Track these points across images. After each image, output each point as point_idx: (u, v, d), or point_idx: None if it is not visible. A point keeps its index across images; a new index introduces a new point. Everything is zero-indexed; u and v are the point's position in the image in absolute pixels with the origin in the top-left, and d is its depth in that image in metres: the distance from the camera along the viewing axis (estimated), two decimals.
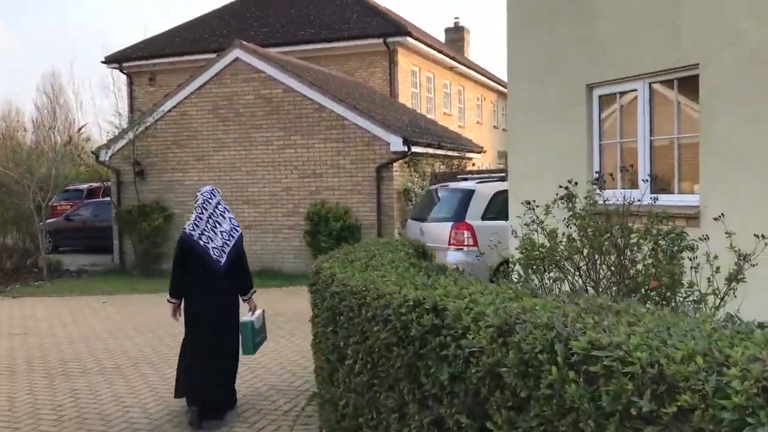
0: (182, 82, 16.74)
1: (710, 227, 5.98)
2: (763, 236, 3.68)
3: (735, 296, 3.92)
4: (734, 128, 5.97)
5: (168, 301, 6.26)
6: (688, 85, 6.52)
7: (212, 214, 6.05)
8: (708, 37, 6.17)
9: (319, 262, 5.82)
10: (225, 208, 6.20)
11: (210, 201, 6.10)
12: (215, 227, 6.01)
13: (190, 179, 16.16)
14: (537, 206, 4.56)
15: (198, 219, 6.02)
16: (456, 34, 32.64)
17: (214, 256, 5.99)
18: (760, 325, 2.73)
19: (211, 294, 6.03)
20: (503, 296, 3.58)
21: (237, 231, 6.18)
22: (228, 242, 6.05)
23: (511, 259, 4.77)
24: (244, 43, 15.97)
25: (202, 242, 5.95)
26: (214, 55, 17.04)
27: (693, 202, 6.43)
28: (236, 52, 15.56)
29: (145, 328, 10.10)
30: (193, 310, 6.09)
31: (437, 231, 10.59)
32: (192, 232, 5.99)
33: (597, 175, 4.62)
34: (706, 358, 2.28)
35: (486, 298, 3.52)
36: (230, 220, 6.17)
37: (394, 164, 14.40)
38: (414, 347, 3.70)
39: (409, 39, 20.73)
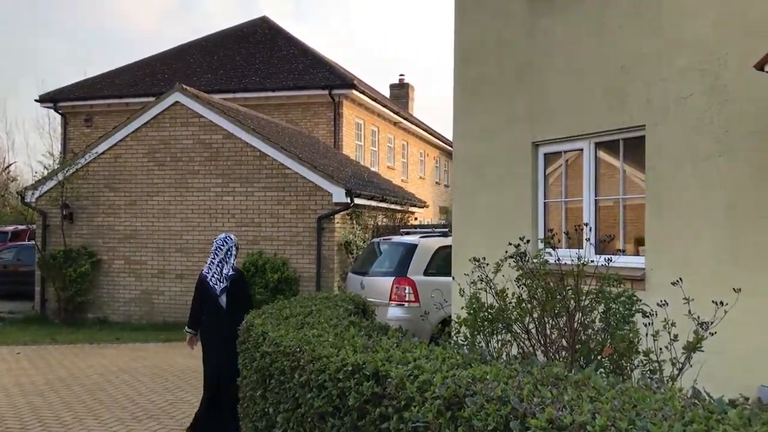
0: (118, 124, 16.19)
1: (656, 290, 5.87)
2: (722, 303, 3.50)
3: (691, 365, 3.72)
4: (680, 190, 5.92)
5: (185, 330, 7.01)
6: (635, 147, 6.49)
7: (222, 259, 6.81)
8: (654, 100, 6.17)
9: (251, 318, 5.41)
10: (230, 253, 6.89)
11: (221, 247, 6.87)
12: (222, 271, 6.82)
13: (121, 224, 15.47)
14: (486, 264, 4.31)
15: (211, 262, 6.84)
16: (400, 90, 33.01)
17: (220, 296, 6.76)
18: (732, 403, 2.49)
19: (216, 329, 6.69)
20: (450, 362, 3.27)
21: (230, 274, 6.85)
22: (225, 284, 6.82)
23: (456, 319, 4.48)
24: (184, 86, 15.61)
25: (211, 283, 6.75)
26: (153, 99, 16.59)
27: (638, 264, 6.33)
28: (176, 96, 15.17)
29: (60, 384, 9.35)
30: (203, 344, 6.79)
31: (378, 285, 10.28)
32: (206, 273, 6.84)
33: (549, 234, 4.41)
34: None
35: (432, 363, 3.20)
36: (231, 265, 6.86)
37: (336, 216, 14.12)
38: (351, 418, 3.34)
39: (354, 92, 20.75)
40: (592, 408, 2.37)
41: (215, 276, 6.76)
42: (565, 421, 2.28)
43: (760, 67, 4.47)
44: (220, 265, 6.81)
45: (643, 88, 6.29)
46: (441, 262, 10.27)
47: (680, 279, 3.82)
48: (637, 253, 6.53)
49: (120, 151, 15.54)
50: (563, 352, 4.14)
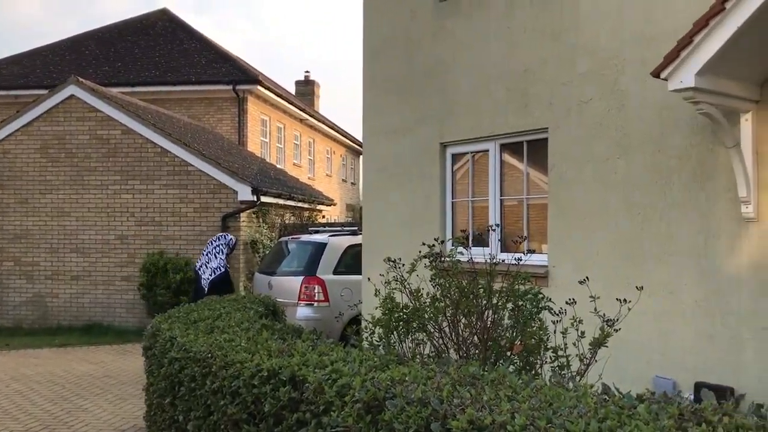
0: (7, 118, 15.22)
1: (558, 287, 6.10)
2: (625, 300, 3.67)
3: (596, 361, 3.87)
4: (580, 190, 6.17)
5: None
6: (538, 148, 6.71)
7: (209, 252, 7.80)
8: (556, 103, 6.40)
9: (157, 323, 5.22)
10: (221, 250, 7.97)
11: (212, 242, 8.00)
12: (207, 263, 7.82)
13: (11, 223, 14.56)
14: (402, 264, 4.33)
15: (202, 254, 7.89)
16: (306, 88, 32.76)
17: (204, 285, 7.64)
18: (639, 398, 2.61)
19: None
20: (368, 364, 3.27)
21: (220, 270, 7.98)
22: (209, 277, 7.76)
23: (370, 319, 4.48)
24: (80, 79, 14.85)
25: (200, 273, 7.68)
26: (46, 92, 15.70)
27: (542, 261, 6.55)
28: (71, 89, 14.41)
29: None
30: None
31: (287, 285, 10.15)
32: (198, 264, 7.88)
33: (462, 233, 4.48)
34: None
35: (350, 367, 3.19)
36: (220, 260, 8.02)
37: (242, 214, 13.82)
38: (267, 424, 3.28)
39: (259, 87, 20.40)
40: (511, 407, 2.42)
41: (203, 266, 7.72)
42: (485, 422, 2.32)
43: (656, 74, 4.71)
44: (207, 257, 7.80)
45: (545, 92, 6.50)
46: (350, 261, 10.26)
47: (587, 278, 3.97)
48: (540, 251, 6.76)
49: (9, 147, 14.62)
50: (475, 350, 4.22)
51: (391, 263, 4.35)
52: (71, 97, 14.48)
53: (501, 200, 7.13)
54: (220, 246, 8.04)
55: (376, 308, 4.46)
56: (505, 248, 6.91)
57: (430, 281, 4.30)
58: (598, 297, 3.84)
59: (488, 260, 4.13)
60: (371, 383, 2.85)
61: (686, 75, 4.51)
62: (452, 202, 7.64)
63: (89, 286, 14.22)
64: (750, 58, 4.67)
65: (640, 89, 5.71)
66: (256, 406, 3.35)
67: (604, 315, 3.67)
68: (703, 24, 4.39)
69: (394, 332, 4.25)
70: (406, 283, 4.28)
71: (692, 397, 5.21)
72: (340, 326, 9.00)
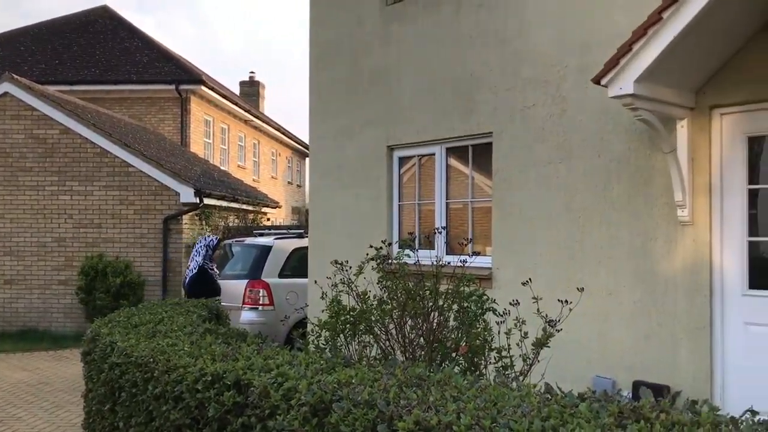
0: None
1: (502, 288, 6.19)
2: (567, 301, 3.75)
3: (539, 361, 3.94)
4: (523, 194, 6.28)
5: None
6: (483, 152, 6.80)
7: (192, 256, 7.90)
8: (500, 109, 6.50)
9: (96, 328, 5.08)
10: (199, 251, 8.00)
11: (196, 245, 8.10)
12: (189, 264, 8.00)
13: None
14: (350, 267, 4.33)
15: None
16: (251, 88, 32.42)
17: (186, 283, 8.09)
18: (581, 397, 2.67)
19: None
20: (315, 367, 3.26)
21: (192, 271, 8.03)
22: (187, 275, 8.05)
23: (316, 322, 4.46)
24: (15, 76, 14.34)
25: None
26: None
27: (486, 263, 6.64)
28: (5, 86, 13.90)
29: None
30: None
31: (231, 289, 10.00)
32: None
33: (409, 236, 4.51)
34: None
35: (296, 370, 3.17)
36: (195, 262, 8.01)
37: (184, 216, 13.58)
38: (211, 429, 3.23)
39: (203, 87, 20.08)
40: (457, 408, 2.45)
41: (188, 268, 8.06)
42: (431, 422, 2.34)
43: (597, 80, 4.83)
44: (190, 260, 8.02)
45: (490, 97, 6.60)
46: (296, 264, 10.19)
47: (530, 279, 4.04)
48: (484, 253, 6.84)
49: None
50: (421, 351, 4.25)
51: (338, 266, 4.34)
52: (5, 94, 13.97)
53: (447, 203, 7.20)
54: (199, 248, 8.00)
55: (323, 311, 4.44)
56: (451, 250, 6.98)
57: (378, 284, 4.31)
58: (541, 298, 3.91)
59: (434, 262, 4.16)
60: (318, 386, 2.84)
61: (625, 82, 4.65)
62: (399, 205, 7.68)
63: (24, 291, 13.74)
64: (685, 66, 4.84)
65: (581, 96, 5.85)
66: (200, 411, 3.29)
67: (546, 316, 3.75)
68: (641, 33, 4.53)
69: (341, 335, 4.24)
70: (353, 286, 4.28)
71: (630, 395, 5.36)
72: (285, 330, 8.93)
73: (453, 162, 7.21)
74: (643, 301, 5.44)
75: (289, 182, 32.20)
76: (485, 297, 4.56)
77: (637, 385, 5.40)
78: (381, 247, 4.35)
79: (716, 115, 5.11)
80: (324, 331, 4.28)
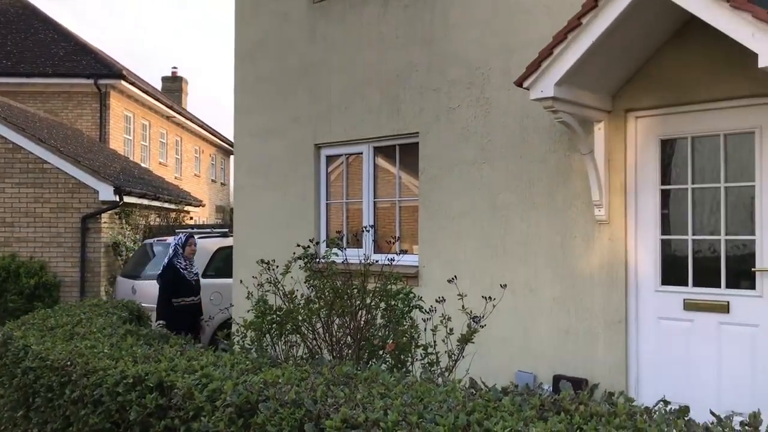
0: None
1: (429, 286, 6.28)
2: (490, 298, 3.83)
3: (464, 356, 4.02)
4: (449, 193, 6.38)
5: None
6: (410, 152, 6.87)
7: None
8: (426, 109, 6.58)
9: (8, 330, 4.86)
10: (167, 253, 7.77)
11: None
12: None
13: None
14: (276, 266, 4.29)
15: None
16: (173, 84, 31.59)
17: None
18: (504, 391, 2.73)
19: None
20: (240, 368, 3.22)
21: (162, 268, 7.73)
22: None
23: (241, 322, 4.40)
24: None
25: None
26: None
27: (413, 262, 6.71)
28: None
29: None
30: None
31: (153, 289, 9.73)
32: None
33: (337, 235, 4.51)
34: None
35: (221, 371, 3.12)
36: (167, 258, 7.70)
37: (103, 215, 13.13)
38: None
39: (123, 82, 19.44)
40: (384, 404, 2.47)
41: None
42: (359, 420, 2.35)
43: (519, 83, 4.96)
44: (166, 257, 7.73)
45: (417, 97, 6.67)
46: (221, 264, 10.00)
47: (455, 276, 4.11)
48: (411, 252, 6.91)
49: None
50: (348, 350, 4.26)
51: (265, 265, 4.30)
52: None
53: (375, 202, 7.24)
54: (170, 246, 7.73)
55: (248, 311, 4.38)
56: (379, 249, 7.02)
57: (305, 283, 4.29)
58: (466, 295, 3.99)
59: (362, 261, 4.18)
60: (243, 387, 2.80)
61: (546, 85, 4.79)
62: (327, 204, 7.66)
63: None
64: (603, 71, 5.03)
65: (505, 97, 5.99)
66: (121, 415, 3.20)
67: (470, 312, 3.82)
68: (562, 37, 4.68)
69: (267, 335, 4.20)
70: (279, 285, 4.25)
71: (551, 389, 5.53)
72: (210, 331, 8.76)
73: (380, 161, 7.25)
74: (562, 298, 5.62)
75: (212, 180, 31.60)
76: (412, 295, 4.62)
77: (557, 379, 5.58)
78: (308, 246, 4.33)
79: (631, 118, 5.33)
80: (250, 331, 4.23)
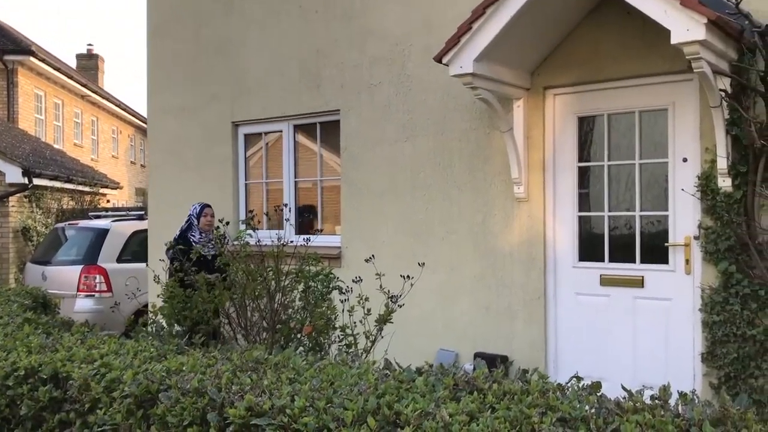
0: None
1: (351, 266, 6.18)
2: (409, 277, 3.75)
3: (382, 337, 3.94)
4: (371, 172, 6.27)
5: None
6: (332, 130, 6.72)
7: None
8: (347, 86, 6.44)
9: None
10: (183, 226, 6.30)
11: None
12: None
13: None
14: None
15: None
16: (89, 62, 30.23)
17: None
18: (419, 371, 2.66)
19: None
20: (144, 356, 3.03)
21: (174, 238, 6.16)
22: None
23: (151, 308, 4.19)
24: None
25: None
26: None
27: (335, 242, 6.59)
28: None
29: None
30: None
31: (64, 276, 9.29)
32: None
33: (249, 214, 4.33)
34: (377, 418, 2.08)
35: (122, 359, 2.93)
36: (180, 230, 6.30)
37: (11, 198, 12.46)
38: (24, 429, 2.92)
39: (32, 59, 18.44)
40: (292, 390, 2.35)
41: None
42: (264, 407, 2.23)
43: (438, 59, 4.88)
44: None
45: (337, 74, 6.51)
46: (137, 248, 9.62)
47: (373, 256, 4.02)
48: (334, 232, 6.79)
49: None
50: (264, 334, 4.11)
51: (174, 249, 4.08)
52: None
53: (296, 182, 7.06)
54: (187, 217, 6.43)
55: (158, 296, 4.17)
56: (299, 230, 6.87)
57: (217, 265, 4.11)
58: (384, 274, 3.90)
59: (275, 242, 4.03)
60: (144, 375, 2.63)
61: (465, 61, 4.72)
62: (246, 185, 7.43)
63: None
64: (521, 47, 5.00)
65: (426, 74, 5.90)
66: (11, 410, 2.97)
67: (388, 291, 3.74)
68: (480, 12, 4.61)
69: (178, 321, 4.01)
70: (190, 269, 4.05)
71: (472, 367, 5.53)
72: (122, 319, 8.43)
73: (301, 139, 7.07)
74: (483, 275, 5.62)
75: (132, 162, 30.53)
76: (331, 275, 4.50)
77: (478, 357, 5.59)
78: (218, 227, 4.14)
79: (550, 96, 5.34)
80: (160, 317, 4.02)
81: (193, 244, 6.00)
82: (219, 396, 2.37)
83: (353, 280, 3.91)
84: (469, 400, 2.21)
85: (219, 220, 4.20)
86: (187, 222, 6.31)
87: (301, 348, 3.90)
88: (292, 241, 4.18)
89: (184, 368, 2.71)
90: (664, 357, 4.86)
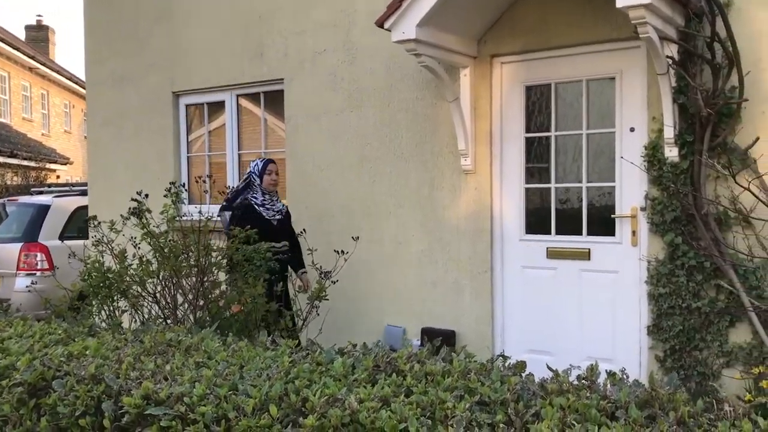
0: None
1: None
2: (343, 251, 3.57)
3: (318, 314, 3.77)
4: (316, 143, 6.06)
5: None
6: (276, 100, 6.47)
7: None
8: (291, 54, 6.18)
9: None
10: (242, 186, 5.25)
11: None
12: None
13: None
14: (102, 222, 3.84)
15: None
16: (39, 33, 29.19)
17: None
18: (341, 351, 2.50)
19: None
20: (50, 339, 2.81)
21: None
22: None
23: (71, 288, 3.95)
24: None
25: None
26: None
27: None
28: None
29: None
30: None
31: (3, 253, 8.90)
32: None
33: (172, 186, 4.09)
34: (281, 405, 1.90)
35: (22, 344, 2.70)
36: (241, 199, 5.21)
37: None
38: None
39: None
40: (196, 375, 2.16)
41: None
42: (161, 395, 2.04)
43: (380, 23, 4.66)
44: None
45: (280, 41, 6.25)
46: (82, 225, 9.25)
47: (304, 230, 3.83)
48: None
49: None
50: (190, 313, 3.91)
51: (95, 223, 3.84)
52: None
53: (240, 155, 6.81)
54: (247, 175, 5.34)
55: (79, 274, 3.93)
56: None
57: (132, 241, 3.87)
58: (316, 249, 3.71)
59: (200, 216, 3.81)
60: (41, 361, 2.42)
61: (408, 26, 4.51)
62: (188, 157, 7.15)
63: None
64: (466, 13, 4.81)
65: (371, 42, 5.68)
66: None
67: (321, 267, 3.56)
68: None
69: (100, 300, 3.78)
70: (111, 245, 3.81)
71: (419, 342, 5.41)
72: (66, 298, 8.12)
73: (246, 110, 6.80)
74: (431, 249, 5.47)
75: (86, 137, 29.72)
76: (268, 252, 4.30)
77: (425, 332, 5.47)
78: (138, 200, 3.90)
79: (497, 64, 5.17)
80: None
81: (256, 207, 5.08)
82: (116, 383, 2.17)
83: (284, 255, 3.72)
84: (387, 383, 2.05)
85: (138, 192, 3.95)
86: (245, 180, 5.26)
87: (231, 330, 3.71)
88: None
89: (87, 352, 2.51)
90: (612, 330, 4.78)
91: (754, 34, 4.16)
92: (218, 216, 5.07)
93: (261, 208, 5.09)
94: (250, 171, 5.25)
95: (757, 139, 4.14)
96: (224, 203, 5.13)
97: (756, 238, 4.16)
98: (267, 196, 5.19)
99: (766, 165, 4.11)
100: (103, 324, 3.67)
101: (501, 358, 2.29)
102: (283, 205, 5.20)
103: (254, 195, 5.16)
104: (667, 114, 4.28)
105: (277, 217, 5.11)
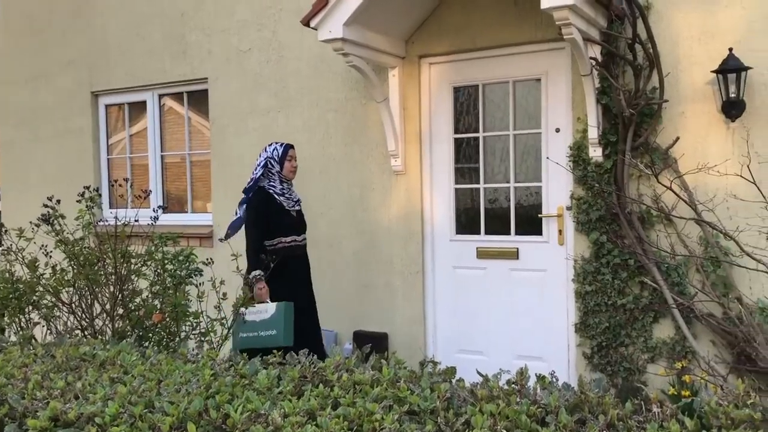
0: None
1: (223, 247, 5.80)
2: (274, 257, 3.46)
3: (245, 322, 3.65)
4: (242, 145, 5.90)
5: None
6: (201, 100, 6.28)
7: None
8: (215, 52, 6.01)
9: None
10: (260, 171, 4.65)
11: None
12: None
13: None
14: (11, 230, 3.62)
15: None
16: None
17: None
18: (265, 362, 2.40)
19: None
20: None
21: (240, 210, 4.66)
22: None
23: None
24: None
25: None
26: None
27: (207, 221, 6.20)
28: None
29: None
30: None
31: None
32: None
33: (86, 191, 3.89)
34: (200, 423, 1.80)
35: None
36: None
37: None
38: None
39: None
40: (110, 392, 2.03)
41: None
42: (70, 416, 1.90)
43: (306, 22, 4.56)
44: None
45: (204, 39, 6.07)
46: None
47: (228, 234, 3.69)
48: (205, 210, 6.38)
49: None
50: (117, 323, 3.72)
51: (4, 231, 3.61)
52: None
53: (162, 156, 6.57)
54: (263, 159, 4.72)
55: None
56: (166, 208, 6.41)
57: (55, 249, 3.67)
58: (241, 255, 3.59)
59: (116, 221, 3.63)
60: None
61: (334, 25, 4.43)
62: (108, 160, 6.87)
63: None
64: (394, 13, 4.76)
65: (298, 41, 5.58)
66: None
67: (242, 272, 3.43)
68: None
69: (11, 312, 3.55)
70: (22, 253, 3.59)
71: (351, 346, 5.34)
72: None
73: (171, 110, 6.58)
74: (362, 251, 5.41)
75: None
76: (192, 256, 4.14)
77: (357, 335, 5.40)
78: (49, 206, 3.69)
79: (425, 65, 5.15)
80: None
81: (276, 197, 4.60)
82: (21, 404, 2.01)
83: (204, 262, 3.59)
84: (313, 395, 1.97)
85: (48, 198, 3.74)
86: (262, 167, 4.65)
87: (150, 339, 3.54)
88: (137, 220, 3.78)
89: None
90: (542, 328, 4.83)
91: (674, 37, 4.27)
92: (238, 212, 4.66)
93: (281, 198, 4.62)
94: (268, 156, 4.69)
95: (677, 138, 4.25)
96: (243, 196, 4.67)
97: (677, 236, 4.27)
98: (285, 185, 4.72)
99: (687, 164, 4.22)
100: (13, 337, 3.46)
101: (431, 363, 2.24)
102: (299, 197, 4.85)
103: (272, 183, 4.65)
104: (591, 115, 4.34)
105: (296, 207, 4.73)
